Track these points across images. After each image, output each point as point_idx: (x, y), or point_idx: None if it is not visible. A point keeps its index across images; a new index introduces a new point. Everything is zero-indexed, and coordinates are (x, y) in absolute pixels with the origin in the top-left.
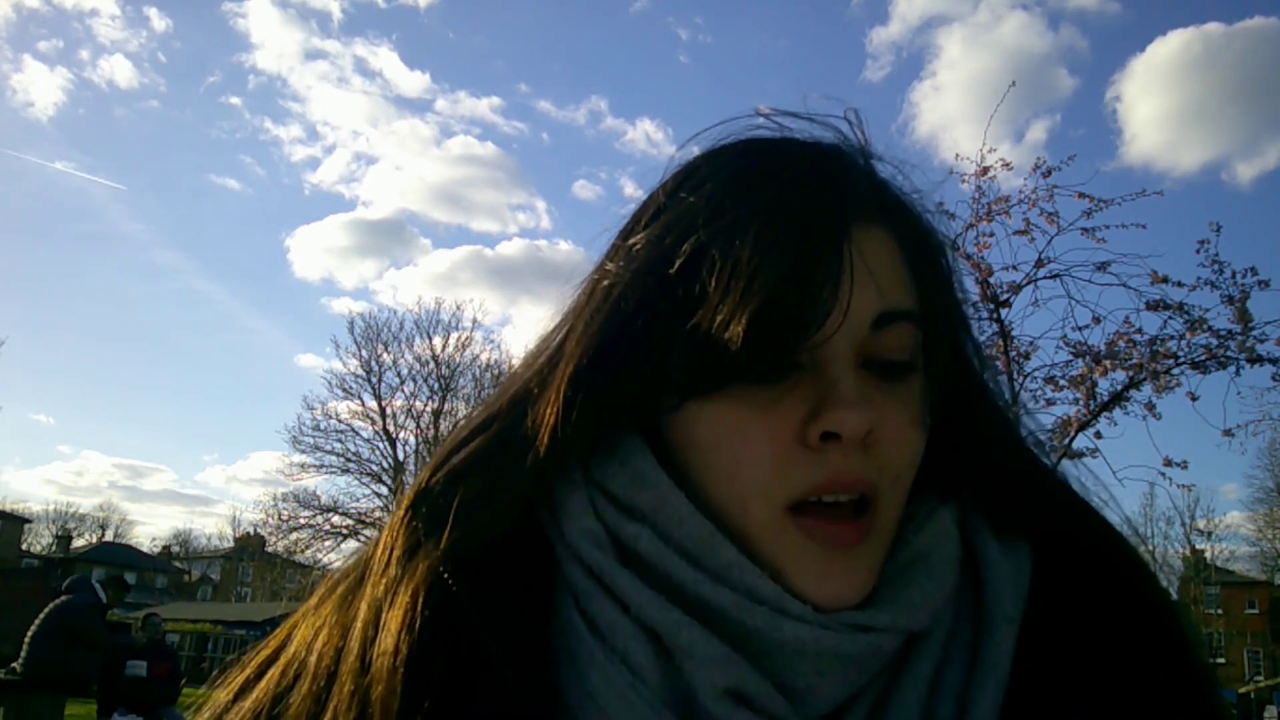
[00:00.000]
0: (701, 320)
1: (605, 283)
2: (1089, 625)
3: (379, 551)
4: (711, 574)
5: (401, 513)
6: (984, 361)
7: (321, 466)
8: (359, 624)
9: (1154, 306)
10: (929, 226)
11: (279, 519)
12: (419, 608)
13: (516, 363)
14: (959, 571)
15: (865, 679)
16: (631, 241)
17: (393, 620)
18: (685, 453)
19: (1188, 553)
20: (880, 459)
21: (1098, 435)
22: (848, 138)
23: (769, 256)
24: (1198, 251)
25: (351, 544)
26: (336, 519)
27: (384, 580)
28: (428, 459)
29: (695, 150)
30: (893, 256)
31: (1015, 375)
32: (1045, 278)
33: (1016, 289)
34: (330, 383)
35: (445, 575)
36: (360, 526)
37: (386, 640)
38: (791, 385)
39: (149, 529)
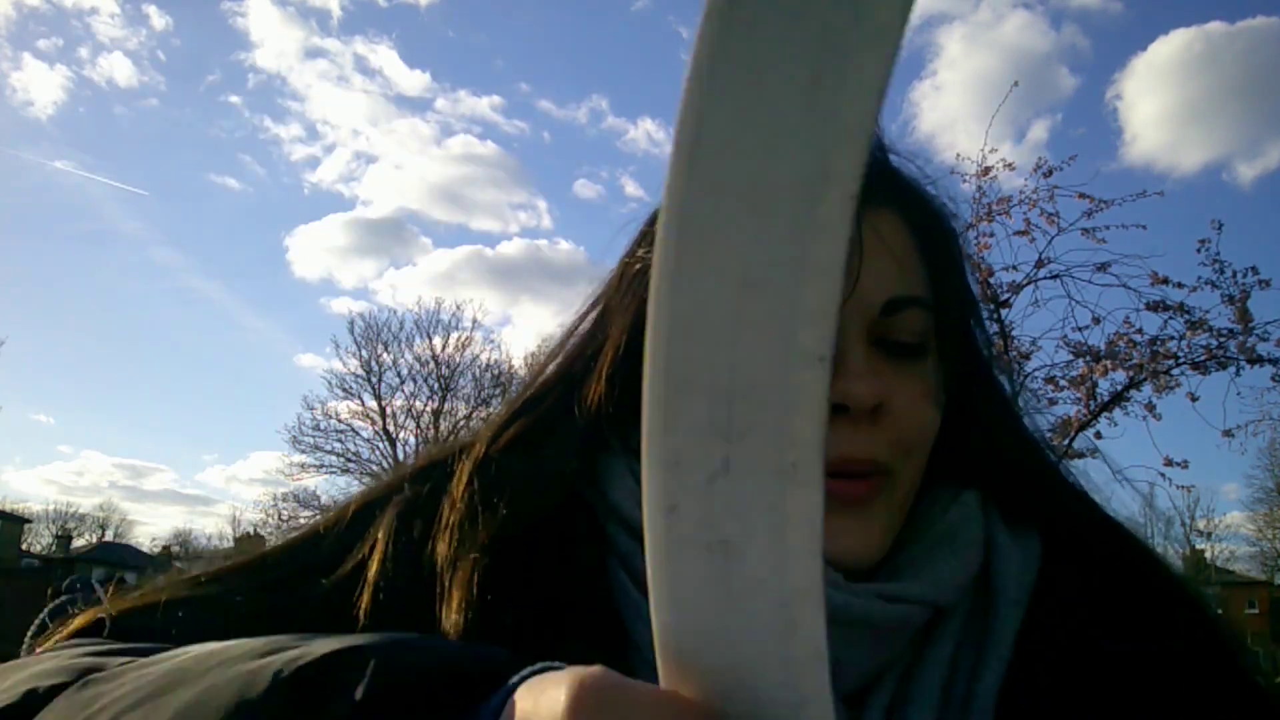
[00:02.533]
0: None
1: (638, 266)
2: (1097, 608)
3: (445, 515)
4: None
5: (463, 483)
6: (991, 349)
7: (321, 466)
8: (429, 577)
9: (1154, 307)
10: (941, 213)
11: (279, 519)
12: (478, 578)
13: (555, 341)
14: (981, 554)
15: (892, 653)
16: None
17: (458, 588)
18: None
19: (1188, 553)
20: (891, 431)
21: (1098, 435)
22: None
23: None
24: (1198, 251)
25: None
26: None
27: (446, 543)
28: None
29: None
30: (904, 241)
31: (1015, 375)
32: (1045, 278)
33: (1017, 289)
34: (330, 383)
35: (501, 544)
36: None
37: (452, 612)
38: None
39: (149, 529)
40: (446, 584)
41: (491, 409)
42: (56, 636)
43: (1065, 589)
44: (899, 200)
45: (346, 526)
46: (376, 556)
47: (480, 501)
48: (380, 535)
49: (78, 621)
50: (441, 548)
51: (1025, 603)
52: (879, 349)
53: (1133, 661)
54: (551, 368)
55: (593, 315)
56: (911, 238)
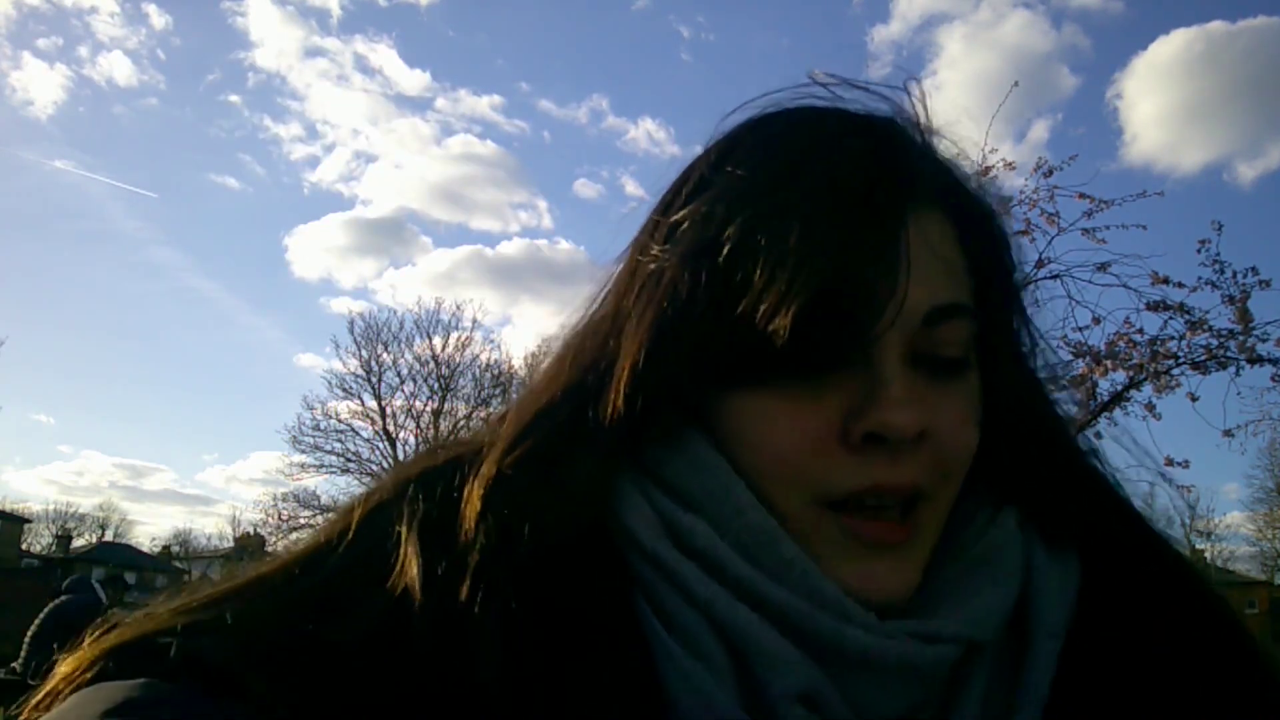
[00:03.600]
0: (746, 309)
1: (652, 266)
2: (1141, 637)
3: (459, 546)
4: (771, 572)
5: (475, 508)
6: (1038, 353)
7: (321, 466)
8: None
9: (1154, 307)
10: (989, 210)
11: (279, 519)
12: (504, 623)
13: (561, 344)
14: (1020, 581)
15: (927, 694)
16: (675, 218)
17: (484, 636)
18: (728, 444)
19: (1188, 553)
20: (930, 458)
21: (1098, 435)
22: (904, 111)
23: (820, 245)
24: (1198, 251)
25: None
26: None
27: (467, 581)
28: None
29: (709, 132)
30: (950, 245)
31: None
32: (1045, 278)
33: None
34: (330, 383)
35: (522, 574)
36: None
37: (482, 660)
38: (837, 380)
39: (149, 529)
40: (470, 628)
41: (491, 409)
42: (80, 655)
43: (1106, 617)
44: (945, 200)
45: (353, 540)
46: (418, 580)
47: (498, 532)
48: (412, 555)
49: (105, 642)
50: (461, 584)
51: (1062, 636)
52: (919, 367)
53: (1180, 698)
54: (561, 378)
55: (603, 317)
56: (957, 239)
